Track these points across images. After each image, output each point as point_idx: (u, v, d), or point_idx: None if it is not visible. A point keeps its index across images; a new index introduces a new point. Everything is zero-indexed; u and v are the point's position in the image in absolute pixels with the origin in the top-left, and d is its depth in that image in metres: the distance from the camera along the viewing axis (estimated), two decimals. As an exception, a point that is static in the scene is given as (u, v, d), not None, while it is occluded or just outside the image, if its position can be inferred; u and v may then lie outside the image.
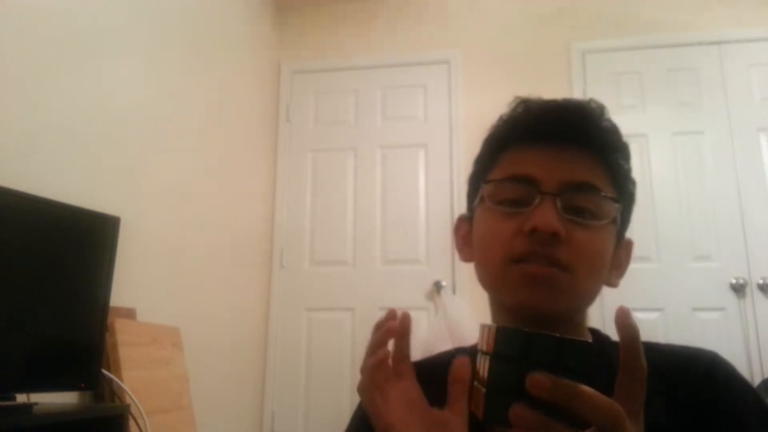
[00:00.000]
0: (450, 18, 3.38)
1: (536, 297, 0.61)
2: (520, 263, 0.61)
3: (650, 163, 2.98)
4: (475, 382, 0.45)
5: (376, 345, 0.55)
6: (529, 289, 0.61)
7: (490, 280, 0.66)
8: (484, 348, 0.43)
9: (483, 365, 0.42)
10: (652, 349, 0.69)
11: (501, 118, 0.70)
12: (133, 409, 1.67)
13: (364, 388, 0.54)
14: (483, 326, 0.45)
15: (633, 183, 0.68)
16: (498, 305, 0.68)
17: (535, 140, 0.64)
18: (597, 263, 0.63)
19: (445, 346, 2.61)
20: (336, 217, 3.24)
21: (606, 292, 0.68)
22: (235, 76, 3.00)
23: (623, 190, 0.67)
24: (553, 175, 0.62)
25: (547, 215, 0.60)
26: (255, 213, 3.16)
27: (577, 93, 3.05)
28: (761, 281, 2.77)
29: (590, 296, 0.64)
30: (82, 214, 1.54)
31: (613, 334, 0.73)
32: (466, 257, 0.72)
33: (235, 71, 3.00)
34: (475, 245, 0.68)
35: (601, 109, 0.66)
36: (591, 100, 0.66)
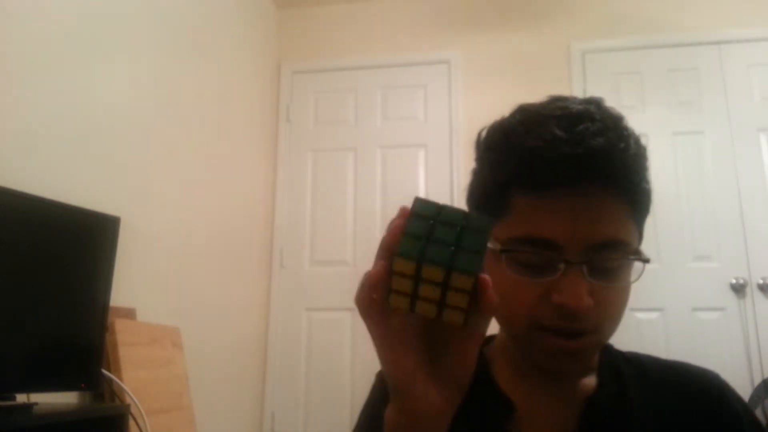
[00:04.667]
0: (450, 18, 3.38)
1: (565, 366, 0.60)
2: (547, 333, 0.58)
3: (650, 163, 2.97)
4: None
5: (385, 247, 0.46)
6: (557, 361, 0.59)
7: (514, 337, 0.64)
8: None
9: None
10: (659, 364, 0.68)
11: (504, 140, 0.61)
12: (133, 409, 1.67)
13: (362, 303, 0.47)
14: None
15: (650, 193, 0.64)
16: (511, 338, 0.66)
17: (552, 188, 0.57)
18: (622, 313, 0.61)
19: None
20: (336, 217, 3.24)
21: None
22: (235, 76, 3.00)
23: (645, 208, 0.62)
24: (577, 237, 0.56)
25: (576, 291, 0.55)
26: (255, 213, 3.16)
27: (576, 93, 3.04)
28: (761, 281, 2.77)
29: (614, 334, 0.63)
30: (82, 214, 1.54)
31: (612, 338, 0.73)
32: None
33: (235, 71, 3.00)
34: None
35: (620, 123, 0.59)
36: (607, 115, 0.58)
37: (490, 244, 0.61)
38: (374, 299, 0.46)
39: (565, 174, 0.56)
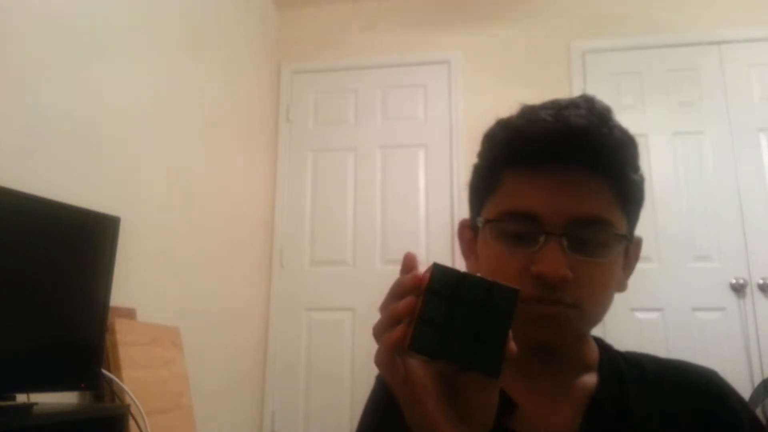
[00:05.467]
0: (450, 18, 3.38)
1: (544, 335, 0.61)
2: (527, 304, 0.59)
3: (650, 163, 2.97)
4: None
5: (395, 297, 0.47)
6: (536, 328, 0.60)
7: None
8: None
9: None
10: (658, 364, 0.69)
11: (499, 127, 0.66)
12: (133, 409, 1.67)
13: (381, 359, 0.47)
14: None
15: (642, 182, 0.65)
16: None
17: (536, 164, 0.61)
18: (605, 294, 0.62)
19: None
20: (336, 217, 3.24)
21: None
22: (235, 76, 3.00)
23: (633, 198, 0.64)
24: (558, 211, 0.59)
25: (553, 260, 0.57)
26: (255, 213, 3.16)
27: (576, 93, 3.04)
28: (761, 281, 2.77)
29: (599, 319, 0.64)
30: (82, 214, 1.54)
31: (612, 338, 0.74)
32: (472, 268, 0.70)
33: (235, 71, 3.00)
34: (482, 273, 0.66)
35: (607, 113, 0.61)
36: (594, 105, 0.61)
37: (477, 223, 0.65)
38: (396, 360, 0.47)
39: (547, 149, 0.60)
